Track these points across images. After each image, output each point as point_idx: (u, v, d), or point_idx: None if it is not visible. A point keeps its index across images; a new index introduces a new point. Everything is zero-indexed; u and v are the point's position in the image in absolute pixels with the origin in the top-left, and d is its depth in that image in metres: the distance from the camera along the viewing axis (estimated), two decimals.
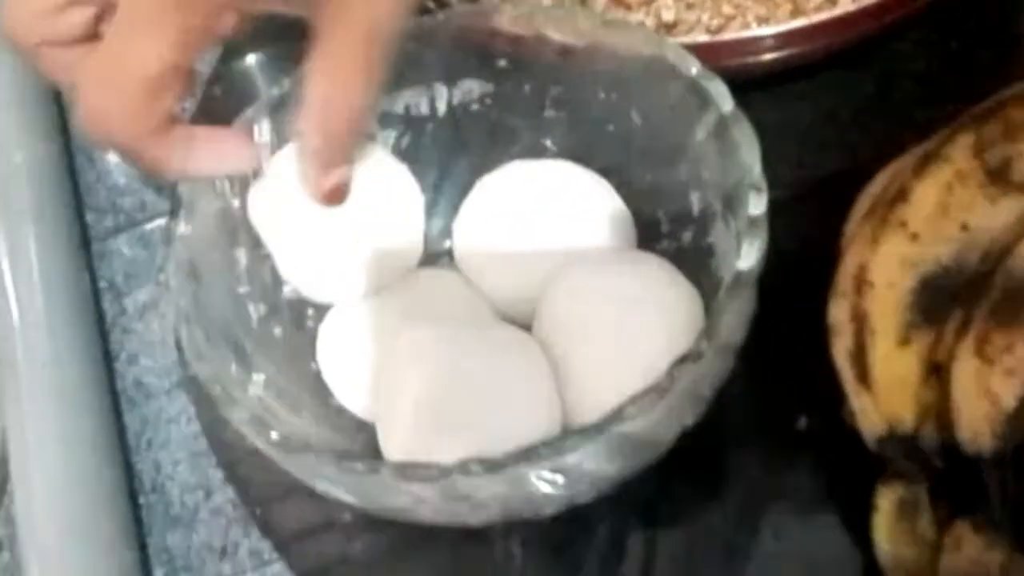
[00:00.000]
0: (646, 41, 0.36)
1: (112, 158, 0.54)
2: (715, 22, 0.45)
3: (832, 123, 0.45)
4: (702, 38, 0.44)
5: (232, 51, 0.52)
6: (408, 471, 0.29)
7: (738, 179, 0.32)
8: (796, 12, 0.45)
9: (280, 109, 0.38)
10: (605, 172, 0.39)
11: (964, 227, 0.32)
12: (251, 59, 0.52)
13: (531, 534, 0.37)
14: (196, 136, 0.31)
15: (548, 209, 0.38)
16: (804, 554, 0.36)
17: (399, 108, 0.40)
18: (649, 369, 0.30)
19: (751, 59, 0.43)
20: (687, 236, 0.37)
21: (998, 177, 0.32)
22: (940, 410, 0.32)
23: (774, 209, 0.32)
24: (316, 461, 0.31)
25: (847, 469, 0.35)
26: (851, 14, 0.43)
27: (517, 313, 0.38)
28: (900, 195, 0.32)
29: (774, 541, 0.37)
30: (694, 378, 0.30)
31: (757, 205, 0.31)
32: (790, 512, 0.37)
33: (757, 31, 0.43)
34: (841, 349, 0.32)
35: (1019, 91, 0.33)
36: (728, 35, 0.43)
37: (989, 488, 0.31)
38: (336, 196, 0.32)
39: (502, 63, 0.39)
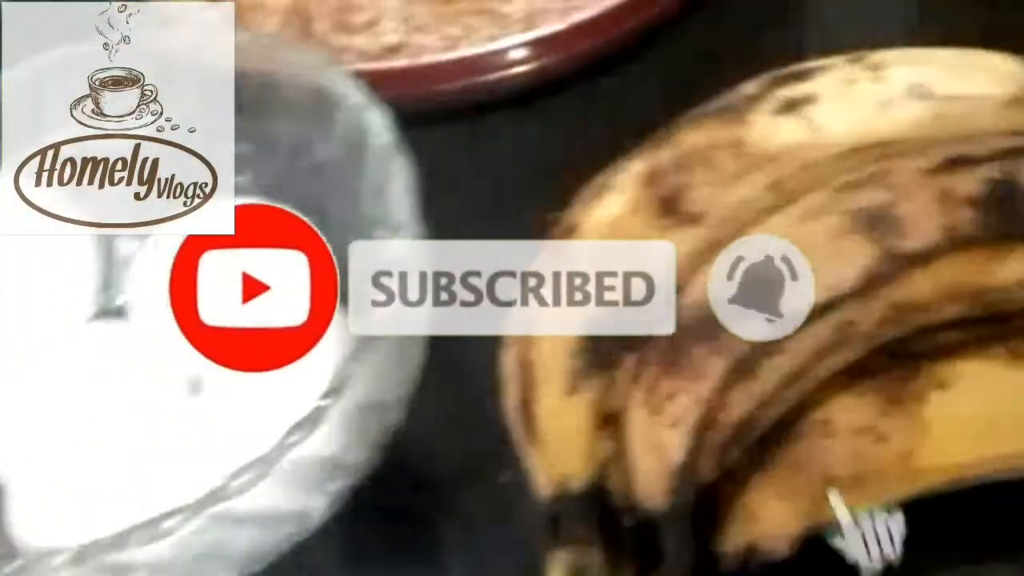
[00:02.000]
0: (315, 68, 0.33)
1: None
2: (443, 44, 0.42)
3: (559, 149, 0.42)
4: (425, 60, 0.41)
5: None
6: None
7: (386, 217, 0.29)
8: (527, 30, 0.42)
9: None
10: (305, 210, 0.36)
11: None
12: None
13: None
14: None
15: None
16: None
17: None
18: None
19: (477, 79, 0.41)
20: None
21: (670, 208, 0.29)
22: (618, 465, 0.29)
23: None
24: None
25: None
26: (581, 24, 0.41)
27: None
28: (568, 229, 0.29)
29: None
30: (322, 444, 0.26)
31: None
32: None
33: (477, 49, 0.41)
34: (510, 402, 0.29)
35: (693, 115, 0.30)
36: (448, 55, 0.41)
37: (665, 550, 0.28)
38: None
39: None
